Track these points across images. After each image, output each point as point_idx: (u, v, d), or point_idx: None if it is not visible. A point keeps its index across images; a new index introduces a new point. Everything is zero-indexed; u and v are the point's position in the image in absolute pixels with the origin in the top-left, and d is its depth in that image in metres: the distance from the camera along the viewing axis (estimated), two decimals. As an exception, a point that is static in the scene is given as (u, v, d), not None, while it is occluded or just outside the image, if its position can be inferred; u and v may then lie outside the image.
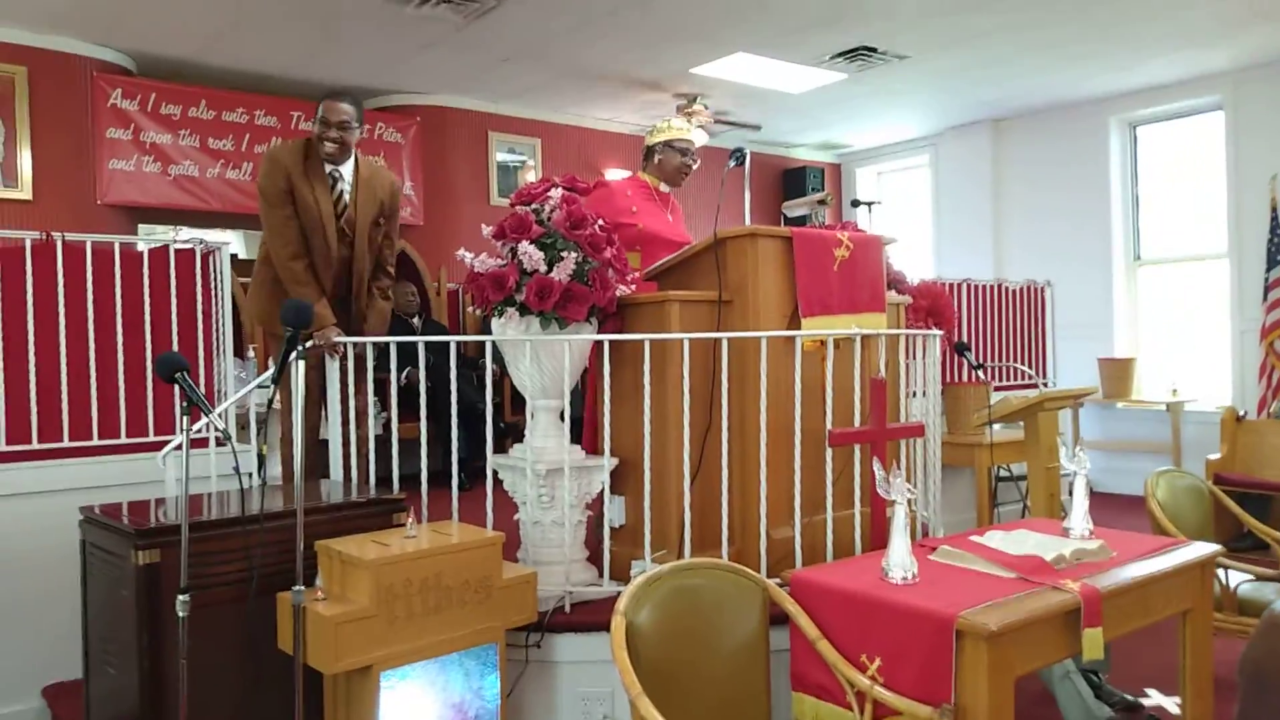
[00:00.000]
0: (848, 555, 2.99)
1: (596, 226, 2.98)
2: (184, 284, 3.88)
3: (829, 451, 3.00)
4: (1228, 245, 6.97)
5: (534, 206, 3.00)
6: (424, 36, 5.85)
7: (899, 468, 2.72)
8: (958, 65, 6.63)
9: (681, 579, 2.42)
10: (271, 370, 3.08)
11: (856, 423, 3.13)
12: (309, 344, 3.24)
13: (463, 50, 6.13)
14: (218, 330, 4.00)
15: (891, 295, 3.52)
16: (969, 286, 6.39)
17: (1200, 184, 7.28)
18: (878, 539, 2.90)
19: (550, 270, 2.87)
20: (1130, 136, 7.67)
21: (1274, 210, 6.54)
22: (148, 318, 3.79)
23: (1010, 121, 8.21)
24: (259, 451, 3.02)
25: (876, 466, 2.53)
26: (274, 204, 3.45)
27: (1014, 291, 6.69)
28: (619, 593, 2.36)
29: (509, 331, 2.98)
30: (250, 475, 3.49)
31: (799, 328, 3.07)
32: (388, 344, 3.89)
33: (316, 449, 3.61)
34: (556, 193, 3.02)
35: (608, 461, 3.05)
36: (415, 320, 5.85)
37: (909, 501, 2.43)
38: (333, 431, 3.44)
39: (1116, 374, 7.25)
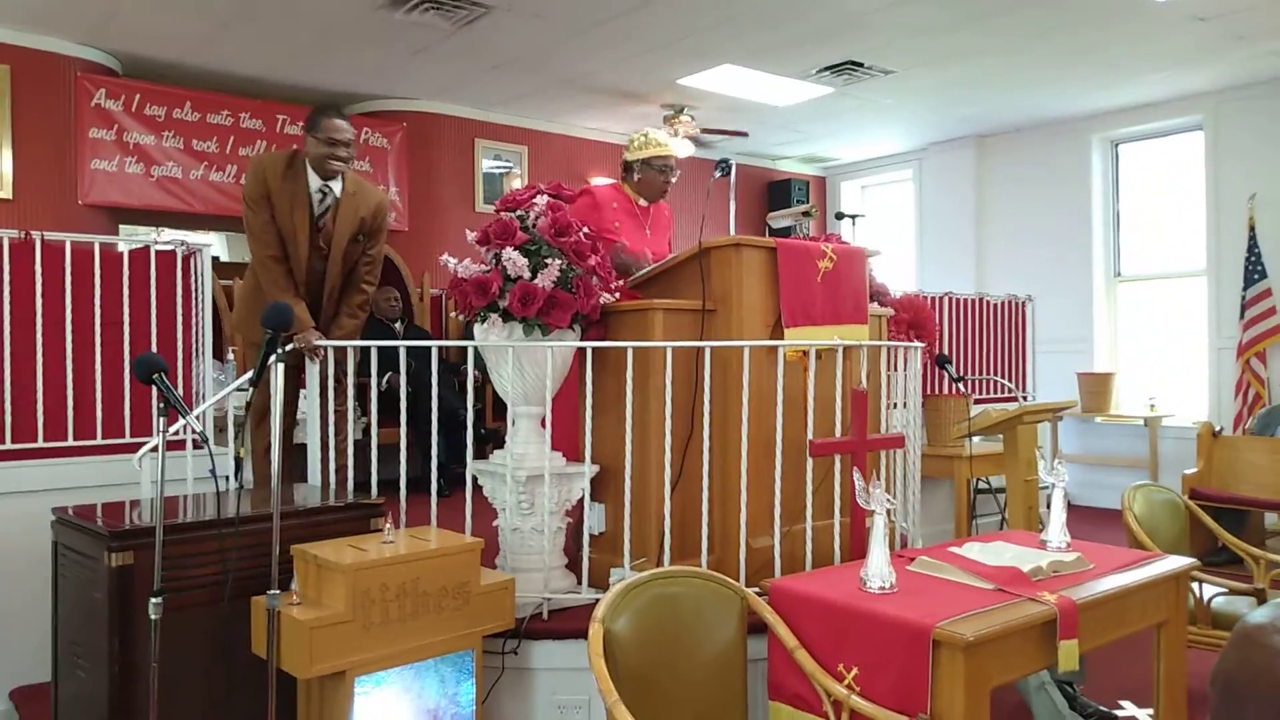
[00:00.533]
0: (827, 565, 3.00)
1: (581, 234, 2.98)
2: (164, 285, 3.85)
3: (809, 461, 3.01)
4: (1206, 263, 7.06)
5: (519, 213, 3.00)
6: (413, 43, 5.85)
7: (879, 478, 2.74)
8: (942, 82, 6.69)
9: (660, 587, 2.42)
10: (251, 373, 3.06)
11: (837, 433, 3.14)
12: (289, 347, 3.22)
13: (451, 57, 6.14)
14: (197, 332, 3.96)
15: (874, 307, 3.54)
16: (951, 300, 6.43)
17: (1180, 202, 7.37)
18: (857, 549, 2.90)
19: (534, 277, 2.87)
20: (1112, 154, 7.76)
21: (1252, 229, 6.63)
22: (126, 318, 3.75)
23: (994, 138, 8.29)
24: (236, 454, 3.00)
25: (856, 477, 2.54)
26: (254, 208, 3.51)
27: (995, 306, 6.73)
28: (597, 600, 2.36)
29: (492, 337, 2.98)
30: (227, 478, 3.46)
31: (782, 338, 3.08)
32: (368, 349, 3.89)
33: (294, 453, 3.58)
34: (542, 199, 3.02)
35: (588, 469, 3.05)
36: (397, 325, 5.82)
37: (888, 512, 2.43)
38: (311, 436, 3.42)
39: (1096, 388, 7.31)
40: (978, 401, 6.05)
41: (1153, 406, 7.15)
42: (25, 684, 3.35)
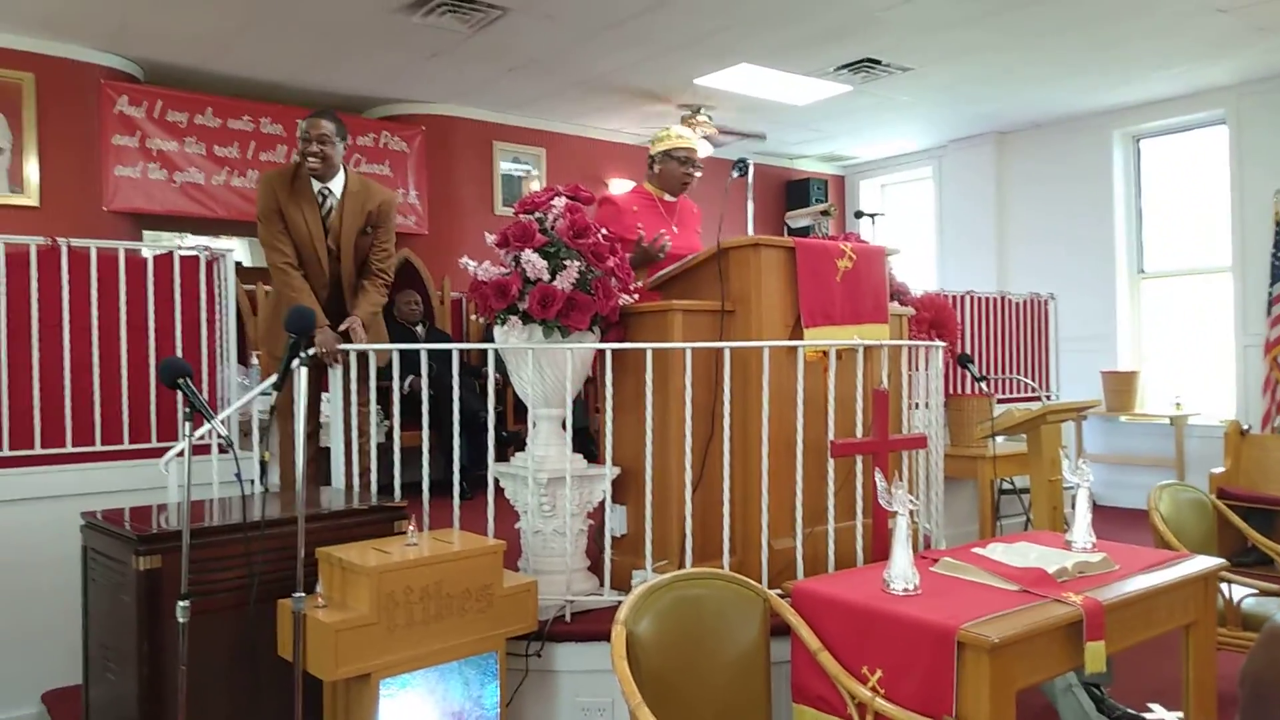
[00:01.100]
0: (849, 566, 2.99)
1: (600, 235, 2.99)
2: (188, 291, 3.89)
3: (831, 462, 3.00)
4: (1231, 259, 6.97)
5: (537, 215, 3.01)
6: (430, 46, 5.88)
7: (901, 479, 2.72)
8: (961, 78, 6.65)
9: (682, 589, 2.42)
10: (274, 377, 3.08)
11: (859, 434, 3.13)
12: (310, 351, 3.25)
13: (468, 60, 6.16)
14: (221, 337, 4.00)
15: (894, 306, 3.52)
16: (972, 299, 6.39)
17: (1204, 197, 7.28)
18: (879, 550, 2.89)
19: (553, 279, 2.87)
20: (1134, 150, 7.68)
21: (1277, 224, 6.53)
22: (151, 324, 3.79)
23: (1014, 134, 8.22)
24: (261, 458, 3.03)
25: (878, 478, 2.53)
26: (267, 221, 3.57)
27: (1017, 304, 6.69)
28: (619, 602, 2.36)
29: (511, 340, 2.99)
30: (252, 482, 3.50)
31: (801, 338, 3.07)
32: (390, 353, 3.92)
33: (319, 456, 3.61)
34: (560, 201, 3.02)
35: (609, 470, 3.05)
36: (419, 328, 5.85)
37: (911, 513, 2.42)
38: (335, 439, 3.44)
39: (1120, 387, 7.24)
40: (1000, 401, 6.01)
41: (1178, 405, 7.07)
42: (57, 687, 3.39)
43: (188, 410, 2.24)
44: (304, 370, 2.36)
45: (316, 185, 3.59)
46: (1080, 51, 6.09)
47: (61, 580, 3.26)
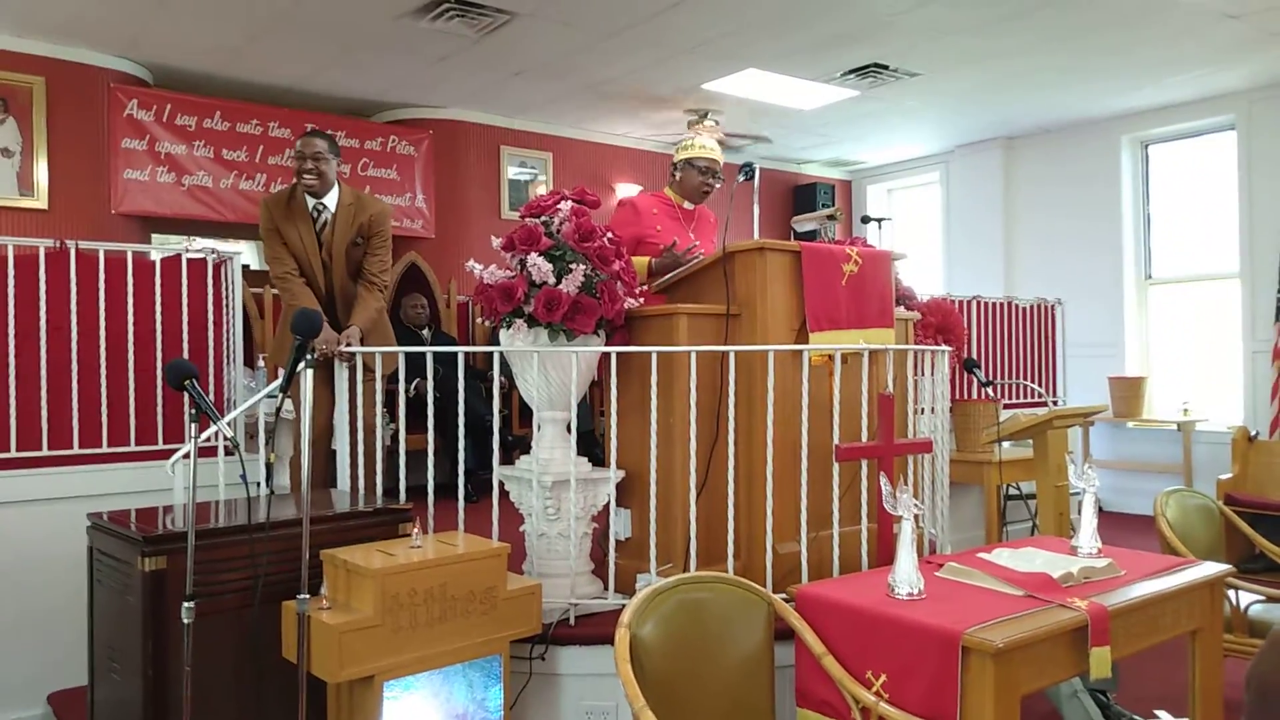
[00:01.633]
0: (854, 571, 2.98)
1: (605, 239, 2.99)
2: (195, 293, 3.91)
3: (836, 466, 2.99)
4: (1240, 265, 6.95)
5: (543, 219, 3.01)
6: (438, 50, 5.90)
7: (906, 484, 2.72)
8: (969, 84, 6.64)
9: (687, 593, 2.42)
10: (280, 379, 3.09)
11: (864, 438, 3.12)
12: (316, 353, 3.27)
13: (476, 65, 6.18)
14: (228, 340, 4.02)
15: (900, 311, 3.52)
16: (979, 304, 6.38)
17: (1212, 203, 7.25)
18: (884, 555, 2.88)
19: (559, 282, 2.88)
20: (1142, 155, 7.66)
21: (1286, 230, 6.52)
22: (159, 326, 3.81)
23: (1021, 140, 8.21)
24: (267, 460, 3.03)
25: (884, 482, 2.53)
26: (268, 240, 3.72)
27: (1024, 309, 6.66)
28: (624, 606, 2.36)
29: (517, 343, 2.99)
30: (258, 484, 3.50)
31: (807, 342, 3.07)
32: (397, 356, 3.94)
33: (325, 458, 3.61)
34: (566, 205, 3.03)
35: (614, 474, 3.05)
36: (425, 332, 5.86)
37: (916, 518, 2.41)
38: (341, 442, 3.45)
39: (1127, 393, 7.21)
40: (1007, 406, 5.99)
41: (1186, 411, 7.04)
42: (63, 688, 3.40)
43: (194, 412, 2.25)
44: (310, 373, 2.36)
45: (311, 202, 3.70)
46: (1089, 57, 6.08)
47: (68, 581, 3.27)
